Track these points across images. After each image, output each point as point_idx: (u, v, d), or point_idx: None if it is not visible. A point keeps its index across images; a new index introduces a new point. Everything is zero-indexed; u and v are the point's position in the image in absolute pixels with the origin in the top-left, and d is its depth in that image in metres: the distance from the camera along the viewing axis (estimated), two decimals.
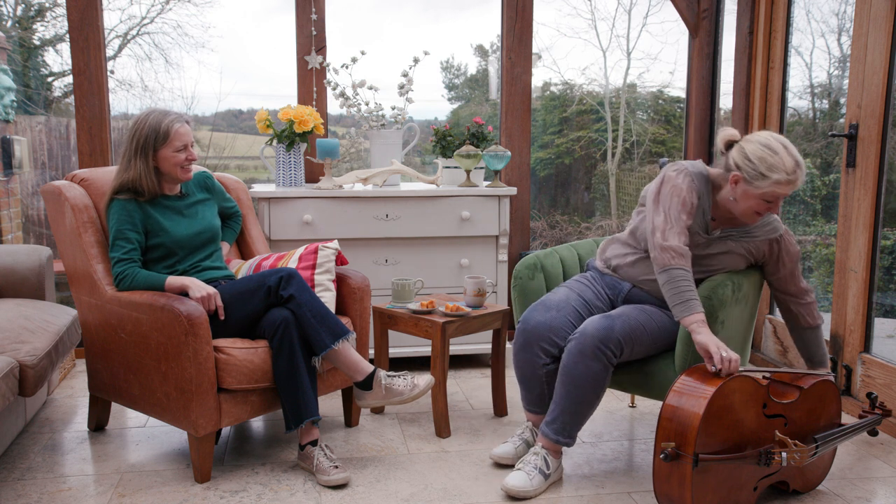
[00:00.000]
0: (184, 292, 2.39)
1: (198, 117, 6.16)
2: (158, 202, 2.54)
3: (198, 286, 2.40)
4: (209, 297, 2.38)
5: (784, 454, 2.07)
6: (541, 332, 2.36)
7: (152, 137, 2.45)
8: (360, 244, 3.37)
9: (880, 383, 2.85)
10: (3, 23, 5.96)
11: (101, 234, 2.57)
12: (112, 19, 5.94)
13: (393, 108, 3.57)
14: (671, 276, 2.19)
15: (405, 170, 3.46)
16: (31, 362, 2.28)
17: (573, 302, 2.43)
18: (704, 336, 2.11)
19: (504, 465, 2.47)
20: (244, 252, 3.02)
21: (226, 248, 2.84)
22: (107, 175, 2.70)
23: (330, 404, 3.05)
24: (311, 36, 3.61)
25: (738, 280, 2.33)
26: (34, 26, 6.17)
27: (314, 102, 3.65)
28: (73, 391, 3.22)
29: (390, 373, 2.48)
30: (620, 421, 2.93)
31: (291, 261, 2.71)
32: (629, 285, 2.47)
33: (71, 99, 5.27)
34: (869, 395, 2.52)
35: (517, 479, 2.28)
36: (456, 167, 3.57)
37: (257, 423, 2.89)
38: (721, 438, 2.03)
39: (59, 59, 6.24)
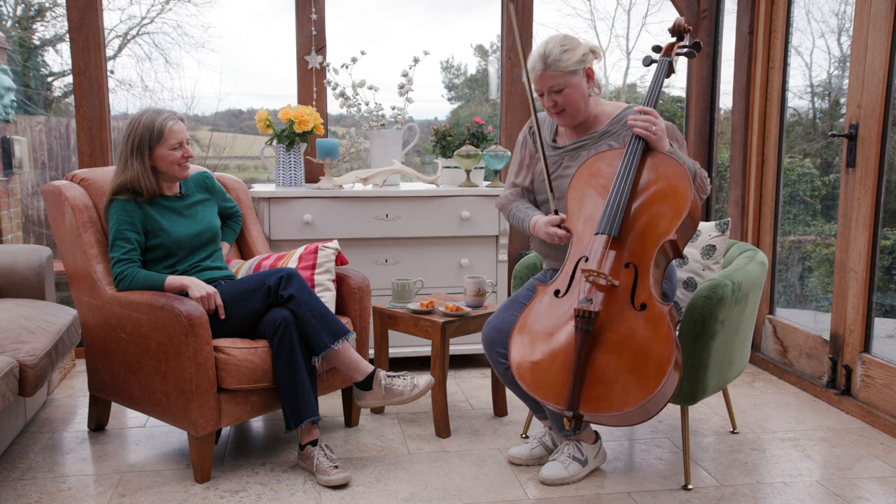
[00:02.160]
0: (183, 292, 2.39)
1: (198, 117, 6.16)
2: (158, 202, 2.54)
3: (197, 286, 2.40)
4: (209, 296, 2.38)
5: (585, 298, 2.01)
6: (494, 336, 2.32)
7: (147, 137, 2.45)
8: (360, 244, 3.37)
9: (880, 383, 2.85)
10: (3, 23, 5.96)
11: (101, 234, 2.57)
12: (112, 19, 5.94)
13: (393, 108, 3.57)
14: (508, 217, 2.44)
15: (405, 170, 3.46)
16: (31, 362, 2.28)
17: (521, 297, 2.40)
18: (539, 228, 2.25)
19: (517, 465, 2.48)
20: (244, 252, 3.02)
21: (226, 248, 2.84)
22: (107, 175, 2.70)
23: (330, 404, 3.05)
24: (311, 36, 3.61)
25: (738, 280, 2.34)
26: (34, 26, 6.17)
27: (314, 102, 3.65)
28: (73, 391, 3.22)
29: (390, 373, 2.48)
30: None
31: (291, 261, 2.71)
32: None
33: (71, 99, 5.27)
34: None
35: (551, 470, 2.31)
36: (456, 167, 3.57)
37: (257, 423, 2.89)
38: (558, 366, 2.02)
39: (59, 59, 6.24)
